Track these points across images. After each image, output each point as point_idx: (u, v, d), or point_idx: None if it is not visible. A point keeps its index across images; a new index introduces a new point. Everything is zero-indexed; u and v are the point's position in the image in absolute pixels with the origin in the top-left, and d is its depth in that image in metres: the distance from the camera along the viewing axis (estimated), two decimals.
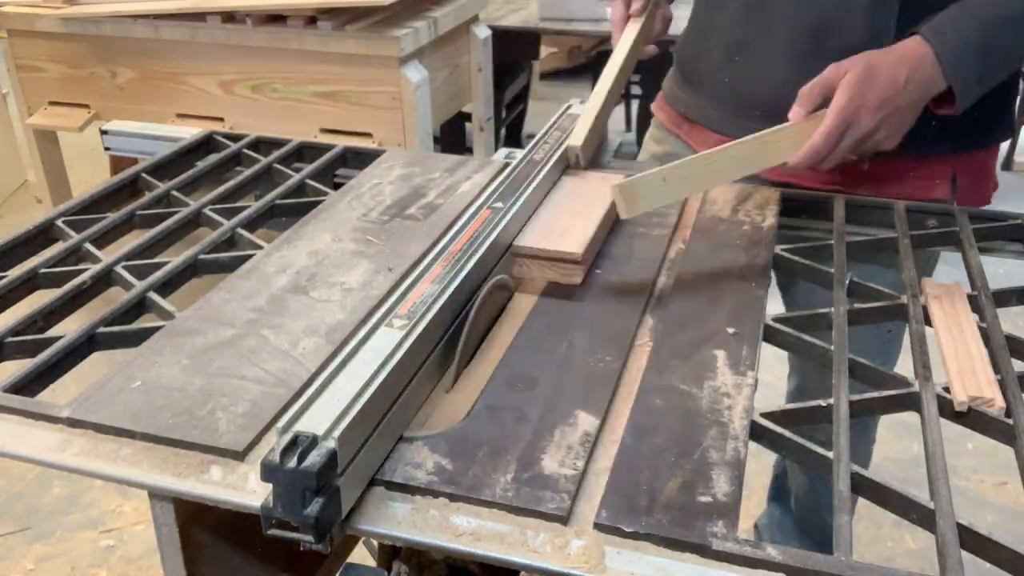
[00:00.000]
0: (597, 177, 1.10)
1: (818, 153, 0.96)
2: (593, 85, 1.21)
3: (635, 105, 3.75)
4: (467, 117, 2.92)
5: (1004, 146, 4.34)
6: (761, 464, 1.87)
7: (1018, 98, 1.19)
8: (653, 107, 1.39)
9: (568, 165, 1.12)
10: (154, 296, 0.92)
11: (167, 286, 0.96)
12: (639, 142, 3.74)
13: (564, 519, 0.64)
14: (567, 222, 0.99)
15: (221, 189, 1.17)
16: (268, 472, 0.59)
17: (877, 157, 1.09)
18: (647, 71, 3.39)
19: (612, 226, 1.04)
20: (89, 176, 3.14)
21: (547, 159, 1.08)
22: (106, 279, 0.97)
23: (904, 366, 0.95)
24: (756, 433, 0.74)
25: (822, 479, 0.75)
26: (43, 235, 1.06)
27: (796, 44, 1.10)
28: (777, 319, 0.88)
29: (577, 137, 1.11)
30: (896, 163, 1.12)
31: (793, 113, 0.98)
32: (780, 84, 1.08)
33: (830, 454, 0.71)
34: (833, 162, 0.98)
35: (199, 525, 0.74)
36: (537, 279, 0.95)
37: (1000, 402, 0.77)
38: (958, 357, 0.82)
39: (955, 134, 1.12)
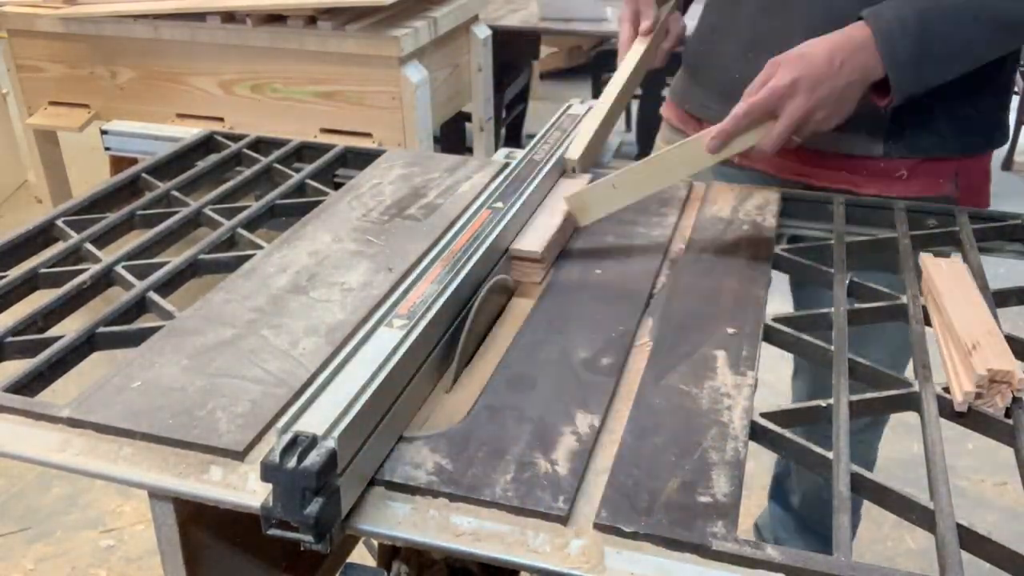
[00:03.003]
0: (582, 179, 1.09)
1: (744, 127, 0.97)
2: (593, 85, 1.21)
3: (635, 105, 3.74)
4: (467, 117, 2.92)
5: (1004, 146, 4.31)
6: (761, 464, 1.87)
7: (1012, 106, 1.19)
8: (662, 110, 1.39)
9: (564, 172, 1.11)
10: (154, 296, 0.92)
11: (167, 286, 0.96)
12: (639, 142, 3.76)
13: (564, 519, 0.64)
14: (529, 221, 1.00)
15: (221, 189, 1.17)
16: (268, 472, 0.59)
17: (887, 157, 1.10)
18: (648, 71, 3.39)
19: (577, 226, 1.03)
20: (89, 176, 3.14)
21: (547, 159, 1.08)
22: (106, 279, 0.97)
23: None
24: (756, 433, 0.74)
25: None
26: (43, 235, 1.06)
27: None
28: (777, 319, 0.88)
29: (575, 151, 1.10)
30: (903, 162, 1.13)
31: (736, 109, 0.98)
32: None
33: (830, 454, 0.71)
34: (776, 144, 0.98)
35: (199, 525, 0.74)
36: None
37: (1020, 373, 0.76)
38: (970, 335, 0.81)
39: (958, 137, 1.13)
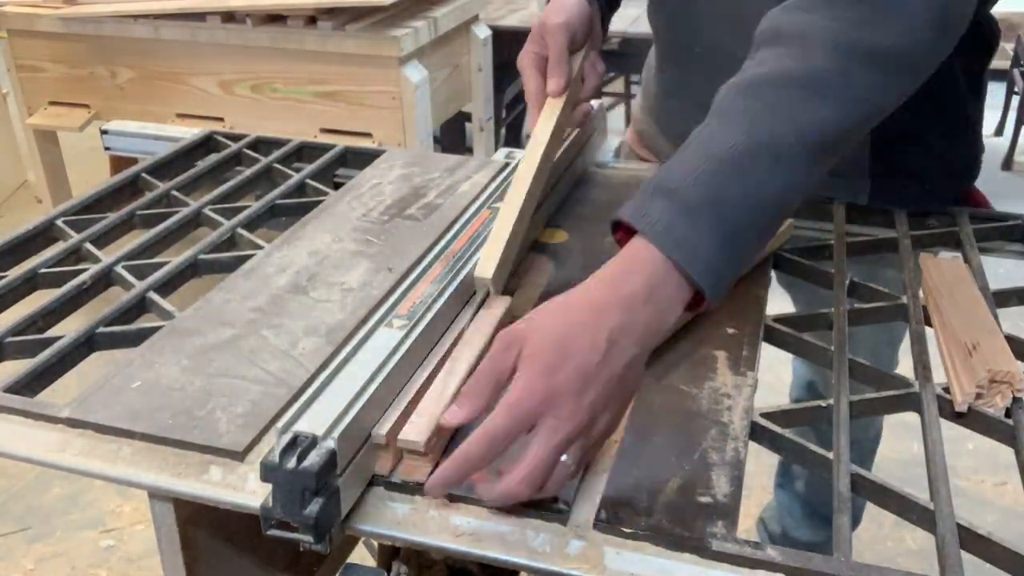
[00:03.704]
0: (500, 303, 0.84)
1: (462, 471, 0.62)
2: None
3: (635, 103, 3.74)
4: (467, 117, 2.92)
5: (1004, 146, 4.31)
6: (761, 464, 1.87)
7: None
8: (630, 141, 1.33)
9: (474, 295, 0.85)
10: (154, 296, 0.92)
11: (167, 286, 0.96)
12: None
13: (564, 519, 0.64)
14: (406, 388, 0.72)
15: (221, 189, 1.17)
16: (267, 472, 0.59)
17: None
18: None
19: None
20: (89, 176, 3.14)
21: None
22: (106, 279, 0.97)
23: (904, 366, 0.95)
24: (756, 433, 0.74)
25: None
26: (43, 235, 1.06)
27: None
28: (777, 319, 0.88)
29: (486, 268, 0.83)
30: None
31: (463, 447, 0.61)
32: None
33: (830, 454, 0.71)
34: (512, 493, 0.61)
35: (199, 525, 0.74)
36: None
37: (1020, 373, 0.75)
38: (970, 335, 0.80)
39: (944, 182, 1.11)
